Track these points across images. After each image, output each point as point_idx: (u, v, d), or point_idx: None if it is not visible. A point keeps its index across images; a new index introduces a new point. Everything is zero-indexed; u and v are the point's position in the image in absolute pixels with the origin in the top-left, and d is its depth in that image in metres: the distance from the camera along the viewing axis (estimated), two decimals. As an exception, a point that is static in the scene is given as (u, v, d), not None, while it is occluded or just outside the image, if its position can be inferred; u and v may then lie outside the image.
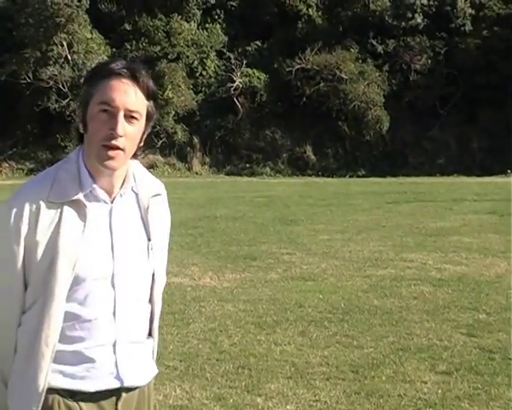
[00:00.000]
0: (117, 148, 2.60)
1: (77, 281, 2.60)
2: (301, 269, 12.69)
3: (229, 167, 51.23)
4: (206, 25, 54.83)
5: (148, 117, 2.70)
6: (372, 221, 19.99)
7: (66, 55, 51.02)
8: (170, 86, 49.32)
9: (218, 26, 55.03)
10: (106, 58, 52.56)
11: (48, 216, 2.60)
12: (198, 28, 54.50)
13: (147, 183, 2.82)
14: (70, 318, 2.61)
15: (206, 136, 51.36)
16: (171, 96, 48.87)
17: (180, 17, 53.71)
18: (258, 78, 52.88)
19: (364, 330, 8.60)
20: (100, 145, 2.59)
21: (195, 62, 53.03)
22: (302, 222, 20.03)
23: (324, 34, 53.81)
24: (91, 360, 2.63)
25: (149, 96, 2.67)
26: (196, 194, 31.26)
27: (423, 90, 52.56)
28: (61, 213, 2.61)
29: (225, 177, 48.29)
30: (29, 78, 49.67)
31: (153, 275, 2.77)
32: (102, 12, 53.76)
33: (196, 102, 51.84)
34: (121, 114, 2.59)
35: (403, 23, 55.55)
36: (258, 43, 54.29)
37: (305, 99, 52.05)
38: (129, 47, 53.08)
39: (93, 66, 2.87)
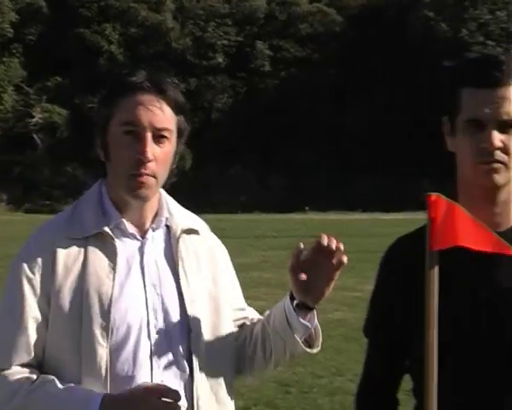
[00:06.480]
0: (147, 175, 2.21)
1: (111, 328, 2.18)
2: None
3: (28, 205, 49.73)
4: (4, 58, 53.31)
5: (179, 133, 2.31)
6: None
7: None
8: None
9: (16, 60, 53.64)
10: None
11: (68, 256, 2.20)
12: (-5, 62, 52.91)
13: (181, 216, 2.41)
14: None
15: (2, 172, 49.64)
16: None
17: (-25, 50, 51.94)
18: (58, 113, 51.95)
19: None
20: (128, 175, 2.21)
21: (-8, 97, 51.36)
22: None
23: (126, 71, 53.86)
24: None
25: (178, 109, 2.29)
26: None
27: (225, 129, 53.58)
28: (85, 250, 2.21)
29: (24, 214, 46.73)
30: None
31: (189, 327, 2.27)
32: None
33: (-8, 137, 50.13)
34: (149, 136, 2.20)
35: (204, 62, 56.54)
36: (58, 78, 53.35)
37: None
38: None
39: (107, 80, 2.35)
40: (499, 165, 1.99)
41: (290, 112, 52.68)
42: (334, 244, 2.17)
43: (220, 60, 56.81)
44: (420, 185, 38.29)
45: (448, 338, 1.96)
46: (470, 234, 1.88)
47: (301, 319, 2.26)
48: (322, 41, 58.20)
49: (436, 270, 1.88)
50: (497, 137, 1.98)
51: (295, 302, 2.25)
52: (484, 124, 1.98)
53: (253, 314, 2.56)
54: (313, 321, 2.28)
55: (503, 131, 1.99)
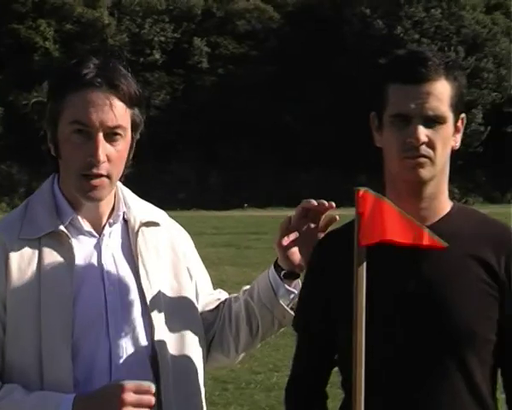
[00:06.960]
0: (100, 176, 2.11)
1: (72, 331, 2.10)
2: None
3: (-38, 203, 48.87)
4: None
5: (134, 127, 2.23)
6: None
7: None
8: None
9: None
10: None
11: (21, 257, 2.10)
12: None
13: (140, 208, 2.34)
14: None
15: None
16: None
17: None
18: (-8, 110, 51.07)
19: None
20: (79, 175, 2.11)
21: None
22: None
23: (62, 67, 53.25)
24: None
25: (133, 102, 2.19)
26: None
27: (163, 126, 53.28)
28: (39, 251, 2.11)
29: (-43, 214, 45.85)
30: None
31: (152, 326, 2.19)
32: None
33: None
34: (100, 136, 2.09)
35: (141, 59, 56.14)
36: (-8, 74, 52.47)
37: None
38: None
39: (56, 71, 2.24)
40: (425, 159, 2.02)
41: (229, 109, 52.65)
42: (326, 203, 2.22)
43: (157, 56, 56.47)
44: (357, 181, 38.69)
45: (377, 331, 1.97)
46: (398, 228, 1.89)
47: (287, 287, 2.28)
48: (259, 38, 58.31)
49: (364, 265, 1.89)
50: (423, 132, 2.00)
51: (283, 272, 2.26)
52: (409, 119, 2.01)
53: (224, 295, 2.51)
54: (298, 288, 2.30)
55: (428, 126, 2.01)
